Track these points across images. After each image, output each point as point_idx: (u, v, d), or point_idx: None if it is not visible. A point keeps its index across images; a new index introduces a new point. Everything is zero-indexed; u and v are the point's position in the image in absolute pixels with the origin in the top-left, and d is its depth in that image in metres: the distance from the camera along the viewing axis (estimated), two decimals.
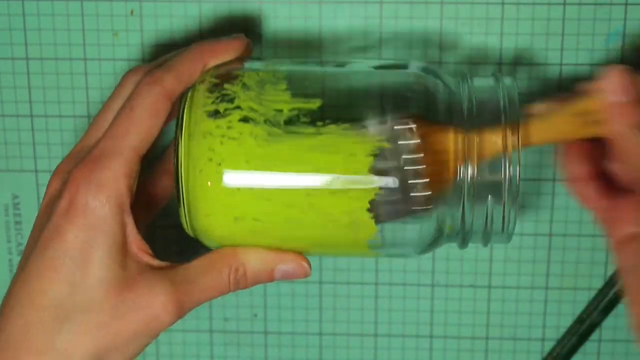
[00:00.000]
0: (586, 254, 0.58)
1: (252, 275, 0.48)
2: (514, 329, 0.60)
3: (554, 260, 0.59)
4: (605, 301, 0.58)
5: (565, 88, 0.55)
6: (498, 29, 0.55)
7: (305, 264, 0.48)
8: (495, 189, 0.46)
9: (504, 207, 0.46)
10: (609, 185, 0.49)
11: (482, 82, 0.48)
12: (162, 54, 0.52)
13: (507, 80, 0.48)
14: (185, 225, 0.47)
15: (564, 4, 0.54)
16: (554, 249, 0.58)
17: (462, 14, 0.55)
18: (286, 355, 0.61)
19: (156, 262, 0.46)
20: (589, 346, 0.59)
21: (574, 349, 0.59)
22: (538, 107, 0.48)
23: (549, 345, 0.60)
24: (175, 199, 0.46)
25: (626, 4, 0.54)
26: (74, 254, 0.45)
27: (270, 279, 0.48)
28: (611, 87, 0.46)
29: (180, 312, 0.46)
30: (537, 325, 0.60)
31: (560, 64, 0.55)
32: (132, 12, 0.56)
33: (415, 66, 0.48)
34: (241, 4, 0.55)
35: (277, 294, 0.60)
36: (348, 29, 0.55)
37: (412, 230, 0.47)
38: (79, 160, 0.46)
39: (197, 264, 0.47)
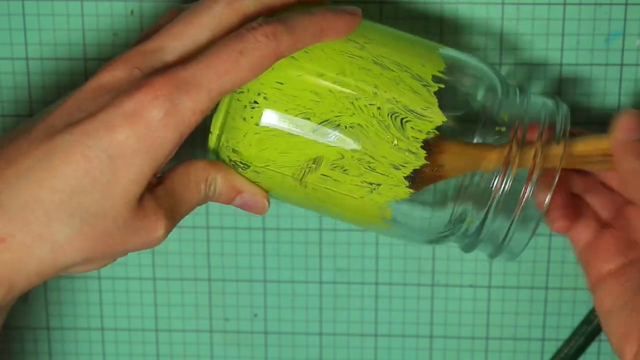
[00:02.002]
0: None
1: (218, 192, 0.48)
2: (514, 329, 0.60)
3: (554, 260, 0.59)
4: None
5: (565, 88, 0.56)
6: (498, 29, 0.55)
7: (265, 202, 0.48)
8: (523, 208, 0.47)
9: (510, 225, 0.47)
10: (590, 221, 0.52)
11: (537, 100, 0.49)
12: None
13: (564, 107, 0.48)
14: (210, 154, 0.47)
15: (564, 4, 0.54)
16: (554, 249, 0.58)
17: (463, 14, 0.55)
18: (286, 355, 0.61)
19: (153, 179, 0.46)
20: (589, 346, 0.59)
21: (581, 350, 0.58)
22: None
23: (549, 345, 0.60)
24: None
25: (626, 4, 0.54)
26: (115, 155, 0.42)
27: (229, 202, 0.48)
28: (624, 126, 0.49)
29: (169, 232, 0.46)
30: (537, 325, 0.60)
31: (560, 64, 0.55)
32: (132, 12, 0.56)
33: (479, 60, 0.49)
34: None
35: (277, 293, 0.60)
36: None
37: (422, 217, 0.47)
38: (159, 68, 0.44)
39: (178, 180, 0.46)
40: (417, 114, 0.45)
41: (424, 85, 0.45)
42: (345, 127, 0.45)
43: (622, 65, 0.55)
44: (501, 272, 0.59)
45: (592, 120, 0.56)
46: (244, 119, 0.45)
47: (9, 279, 0.42)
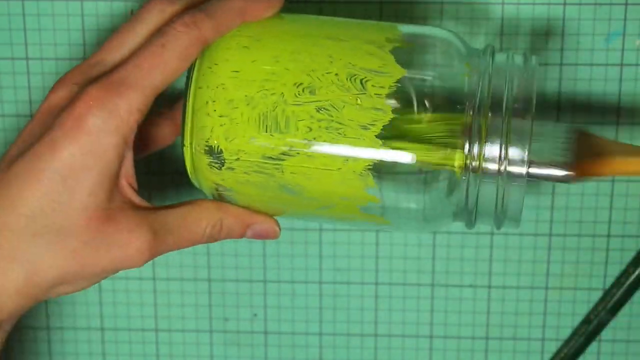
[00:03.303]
0: (586, 254, 0.58)
1: (227, 230, 0.48)
2: (514, 329, 0.60)
3: (554, 260, 0.59)
4: (612, 301, 0.58)
5: (565, 88, 0.56)
6: (498, 29, 0.55)
7: (276, 227, 0.49)
8: (506, 173, 0.45)
9: (497, 188, 0.45)
10: None
11: (502, 58, 0.47)
12: None
13: (533, 61, 0.47)
14: (189, 170, 0.47)
15: (564, 4, 0.54)
16: (554, 249, 0.58)
17: (462, 14, 0.55)
18: (286, 355, 0.61)
19: (139, 201, 0.46)
20: (589, 346, 0.59)
21: (581, 350, 0.59)
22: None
23: (549, 345, 0.60)
24: (180, 144, 0.46)
25: (626, 4, 0.54)
26: (65, 173, 0.44)
27: (241, 236, 0.49)
28: None
29: (150, 258, 0.46)
30: (537, 325, 0.60)
31: (560, 64, 0.55)
32: (131, 12, 0.56)
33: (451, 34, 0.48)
34: None
35: (277, 293, 0.60)
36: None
37: (412, 199, 0.46)
38: (95, 78, 0.45)
39: (177, 213, 0.47)
40: (376, 72, 0.45)
41: (379, 47, 0.46)
42: (307, 98, 0.45)
43: (622, 65, 0.55)
44: (501, 272, 0.59)
45: (592, 121, 0.56)
46: (208, 114, 0.45)
47: None
